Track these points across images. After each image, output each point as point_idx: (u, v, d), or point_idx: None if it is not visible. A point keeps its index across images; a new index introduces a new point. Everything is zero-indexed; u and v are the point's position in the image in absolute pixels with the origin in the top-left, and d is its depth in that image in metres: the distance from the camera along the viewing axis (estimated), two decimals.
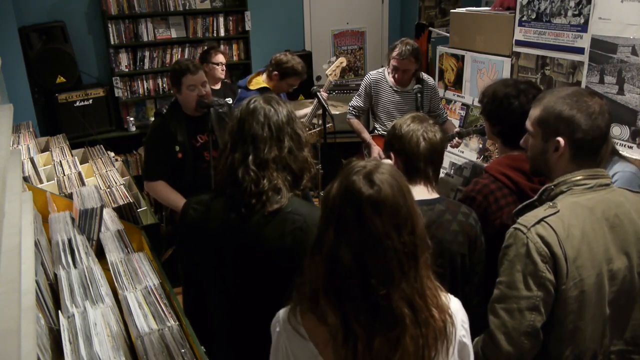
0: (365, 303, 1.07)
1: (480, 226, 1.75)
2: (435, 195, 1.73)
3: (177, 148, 2.68)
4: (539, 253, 1.36)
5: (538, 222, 1.38)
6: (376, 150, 3.62)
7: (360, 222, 1.07)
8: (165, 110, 2.76)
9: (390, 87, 3.61)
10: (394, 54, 3.45)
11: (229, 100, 3.89)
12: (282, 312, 1.20)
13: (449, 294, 1.21)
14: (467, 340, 1.21)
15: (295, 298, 1.17)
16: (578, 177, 1.44)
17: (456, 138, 3.11)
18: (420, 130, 1.70)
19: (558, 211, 1.39)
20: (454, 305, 1.19)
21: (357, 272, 1.07)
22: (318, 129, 3.73)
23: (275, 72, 3.35)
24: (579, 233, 1.38)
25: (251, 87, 3.41)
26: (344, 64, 3.74)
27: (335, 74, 3.68)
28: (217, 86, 4.01)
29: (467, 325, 1.22)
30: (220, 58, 3.93)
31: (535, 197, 1.52)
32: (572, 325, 1.39)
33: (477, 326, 1.45)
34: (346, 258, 1.07)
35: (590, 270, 1.38)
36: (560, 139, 1.44)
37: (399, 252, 1.07)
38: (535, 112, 1.51)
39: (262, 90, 3.34)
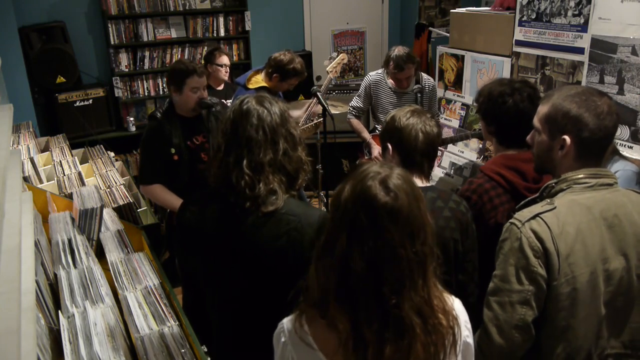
0: (377, 310, 1.05)
1: (472, 214, 1.78)
2: (428, 185, 1.78)
3: (173, 150, 2.67)
4: (531, 248, 1.37)
5: (533, 217, 1.40)
6: (376, 149, 3.63)
7: (375, 230, 1.04)
8: (159, 114, 2.74)
9: (390, 88, 3.62)
10: (391, 68, 3.47)
11: (231, 101, 3.88)
12: (286, 322, 1.17)
13: (451, 296, 1.21)
14: (470, 339, 1.22)
15: (301, 306, 1.15)
16: (579, 176, 1.44)
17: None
18: (419, 124, 1.73)
19: (554, 208, 1.40)
20: (457, 306, 1.20)
21: (370, 279, 1.05)
22: (315, 121, 3.72)
23: (276, 74, 3.26)
24: (574, 230, 1.38)
25: (250, 86, 3.37)
26: (345, 61, 3.73)
27: (335, 71, 3.66)
28: (220, 87, 4.00)
29: (469, 325, 1.23)
30: (225, 60, 3.91)
31: (537, 194, 1.52)
32: (564, 322, 1.40)
33: (474, 321, 1.46)
34: (359, 265, 1.04)
35: (583, 268, 1.38)
36: (567, 137, 1.44)
37: (411, 261, 1.06)
38: (543, 109, 1.51)
39: (260, 90, 3.28)
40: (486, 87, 1.98)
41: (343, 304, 1.07)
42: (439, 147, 3.19)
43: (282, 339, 1.16)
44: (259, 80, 3.38)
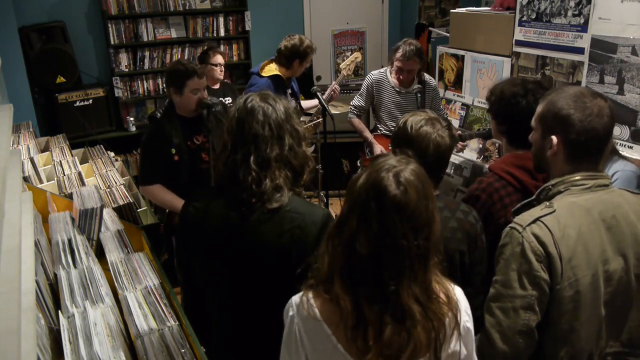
0: (377, 293, 1.11)
1: (481, 225, 1.74)
2: (435, 194, 1.73)
3: (173, 151, 2.66)
4: (533, 252, 1.36)
5: (534, 221, 1.39)
6: (378, 149, 3.62)
7: (381, 218, 1.11)
8: (159, 115, 2.74)
9: (392, 87, 3.61)
10: (398, 55, 3.46)
11: (229, 100, 3.89)
12: (295, 297, 1.24)
13: (452, 283, 1.24)
14: (470, 325, 1.24)
15: (309, 281, 1.21)
16: (576, 178, 1.44)
17: (459, 143, 3.11)
18: (432, 134, 1.69)
19: (554, 211, 1.39)
20: (458, 293, 1.23)
21: (372, 262, 1.11)
22: (315, 121, 3.77)
23: (296, 60, 3.41)
24: (575, 233, 1.38)
25: (264, 74, 3.45)
26: (359, 59, 3.89)
27: (349, 69, 3.81)
28: (217, 86, 4.01)
29: (469, 312, 1.25)
30: (219, 59, 3.92)
31: (534, 196, 1.52)
32: (567, 325, 1.39)
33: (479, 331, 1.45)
34: (364, 247, 1.11)
35: (585, 271, 1.37)
36: (554, 138, 1.45)
37: (412, 253, 1.11)
38: (538, 108, 1.52)
39: (273, 78, 3.41)
40: (498, 86, 1.97)
41: (347, 282, 1.13)
42: (461, 143, 3.21)
43: (290, 313, 1.22)
44: (272, 69, 3.48)
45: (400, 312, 1.10)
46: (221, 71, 3.96)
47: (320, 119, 3.52)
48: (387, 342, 1.10)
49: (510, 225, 1.44)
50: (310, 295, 1.19)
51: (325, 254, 1.18)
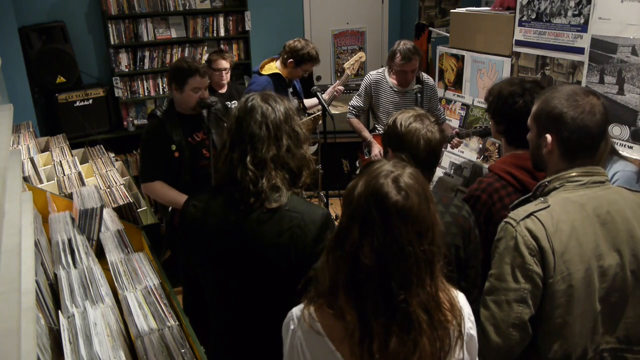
0: (384, 304, 1.08)
1: (474, 219, 1.76)
2: None
3: (174, 147, 2.67)
4: (526, 246, 1.38)
5: (527, 216, 1.41)
6: (376, 149, 3.63)
7: (385, 227, 1.07)
8: (159, 112, 2.74)
9: (391, 87, 3.62)
10: (397, 60, 3.46)
11: (235, 103, 3.89)
12: (295, 310, 1.20)
13: (455, 289, 1.23)
14: (473, 332, 1.23)
15: (310, 294, 1.18)
16: (572, 174, 1.46)
17: (456, 138, 3.12)
18: (422, 130, 1.70)
19: (548, 206, 1.42)
20: (461, 300, 1.22)
21: (379, 273, 1.08)
22: (315, 114, 3.78)
23: (291, 60, 3.40)
24: (568, 228, 1.40)
25: (263, 72, 3.45)
26: (363, 59, 3.87)
27: (353, 68, 3.81)
28: (223, 90, 3.98)
29: (472, 318, 1.25)
30: (222, 64, 3.89)
31: (531, 193, 1.55)
32: (560, 319, 1.41)
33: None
34: (369, 258, 1.07)
35: (578, 265, 1.39)
36: (548, 136, 1.48)
37: (418, 259, 1.08)
38: (534, 108, 1.55)
39: (273, 76, 3.42)
40: (496, 86, 1.99)
41: (351, 295, 1.10)
42: (458, 140, 3.22)
43: (292, 327, 1.18)
44: (272, 67, 3.49)
45: (407, 321, 1.08)
46: (222, 76, 3.93)
47: (319, 113, 3.53)
48: (392, 353, 1.08)
49: (505, 220, 1.47)
50: (312, 308, 1.16)
51: (327, 268, 1.14)
